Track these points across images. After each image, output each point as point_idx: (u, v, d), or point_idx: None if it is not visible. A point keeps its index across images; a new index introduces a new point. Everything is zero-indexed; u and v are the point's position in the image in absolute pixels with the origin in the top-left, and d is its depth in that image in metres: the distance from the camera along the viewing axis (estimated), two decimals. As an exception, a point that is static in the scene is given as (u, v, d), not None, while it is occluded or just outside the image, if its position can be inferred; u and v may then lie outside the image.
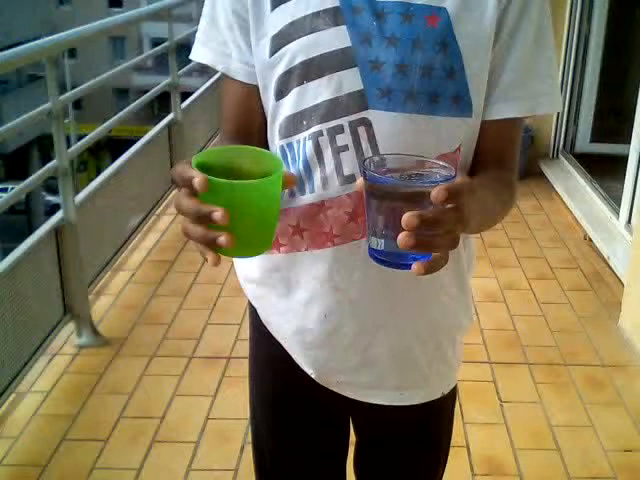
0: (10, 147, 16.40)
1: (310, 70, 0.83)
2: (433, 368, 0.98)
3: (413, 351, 0.95)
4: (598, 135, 4.40)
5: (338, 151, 0.84)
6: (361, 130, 0.83)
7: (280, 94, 0.86)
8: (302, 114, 0.84)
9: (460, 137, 0.86)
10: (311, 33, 0.82)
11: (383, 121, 0.82)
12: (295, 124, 0.85)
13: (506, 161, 0.90)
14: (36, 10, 18.22)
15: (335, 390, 0.98)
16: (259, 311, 1.01)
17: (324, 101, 0.83)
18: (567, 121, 4.42)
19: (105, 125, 3.00)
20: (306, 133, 0.85)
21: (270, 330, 1.00)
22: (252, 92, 0.89)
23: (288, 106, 0.85)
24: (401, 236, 0.61)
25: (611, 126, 4.37)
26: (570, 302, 2.92)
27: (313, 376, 0.98)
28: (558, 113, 4.40)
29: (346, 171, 0.84)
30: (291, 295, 0.93)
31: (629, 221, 3.23)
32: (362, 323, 0.91)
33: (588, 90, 4.34)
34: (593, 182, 3.88)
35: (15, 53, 2.25)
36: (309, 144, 0.85)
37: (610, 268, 3.16)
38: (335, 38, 0.82)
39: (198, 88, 4.54)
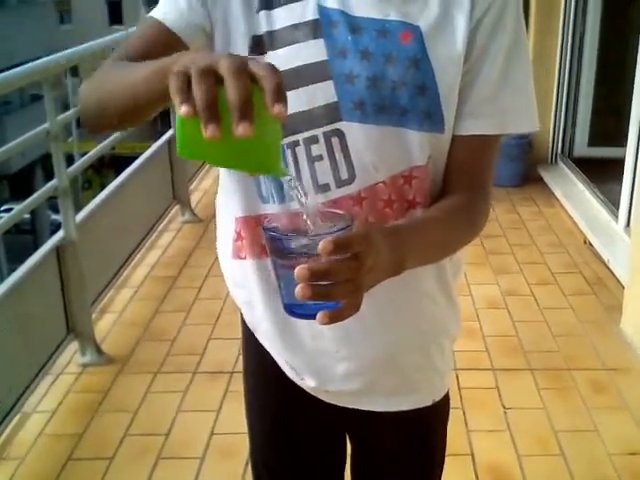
0: (14, 167, 16.48)
1: (287, 81, 0.84)
2: (421, 375, 0.99)
3: (399, 358, 0.96)
4: (596, 139, 4.42)
5: (313, 161, 0.86)
6: (334, 141, 0.85)
7: None
8: None
9: (431, 150, 0.87)
10: (290, 45, 0.84)
11: (355, 132, 0.84)
12: None
13: (476, 179, 0.90)
14: (37, 30, 18.38)
15: (323, 399, 0.99)
16: (247, 317, 1.02)
17: (300, 112, 0.85)
18: (564, 126, 4.44)
19: (105, 143, 3.03)
20: (282, 142, 0.86)
21: (258, 337, 1.01)
22: (175, 43, 0.85)
23: None
24: (297, 288, 0.62)
25: (608, 129, 4.38)
26: (572, 306, 2.92)
27: (302, 384, 0.99)
28: (555, 118, 4.43)
29: (320, 180, 0.86)
30: (277, 300, 0.93)
31: (628, 224, 3.23)
32: (347, 331, 0.92)
33: (584, 94, 4.35)
34: (592, 186, 3.89)
35: (14, 74, 2.28)
36: (287, 153, 0.86)
37: (610, 272, 3.16)
38: (313, 51, 0.84)
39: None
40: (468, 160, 0.89)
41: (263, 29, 0.86)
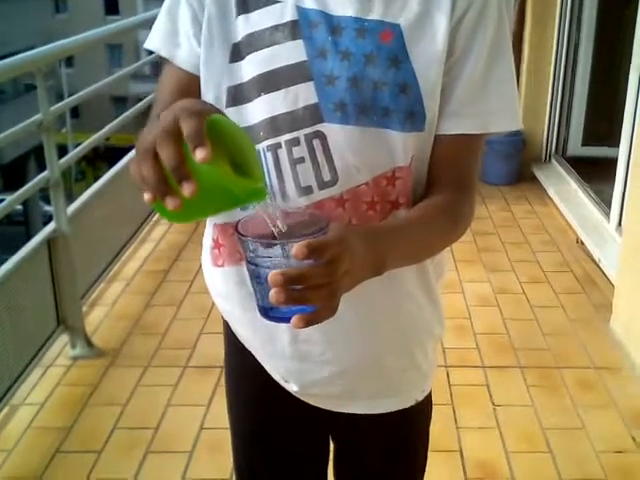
0: (7, 157, 16.41)
1: (267, 83, 0.85)
2: (405, 376, 0.99)
3: (384, 360, 0.96)
4: (589, 139, 4.43)
5: (295, 163, 0.85)
6: (316, 142, 0.84)
7: (234, 103, 0.87)
8: (259, 125, 0.86)
9: (414, 150, 0.86)
10: (270, 46, 0.84)
11: (337, 134, 0.84)
12: (252, 134, 0.86)
13: (460, 178, 0.89)
14: (32, 19, 18.26)
15: (308, 401, 0.99)
16: (230, 324, 1.02)
17: (281, 114, 0.84)
18: (559, 125, 4.44)
19: (98, 135, 3.01)
20: (264, 144, 0.86)
21: (242, 342, 1.01)
22: (194, 80, 0.89)
23: (245, 116, 0.86)
24: (271, 293, 0.62)
25: (602, 129, 4.39)
26: (562, 305, 2.93)
27: (286, 387, 0.99)
28: (550, 117, 4.43)
29: (303, 183, 0.85)
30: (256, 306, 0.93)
31: (619, 224, 3.24)
32: (330, 334, 0.91)
33: (579, 93, 4.36)
34: (585, 186, 3.91)
35: (5, 64, 2.26)
36: (269, 156, 0.86)
37: (601, 271, 3.17)
38: (292, 52, 0.84)
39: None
40: (451, 159, 0.88)
41: (242, 33, 0.86)
